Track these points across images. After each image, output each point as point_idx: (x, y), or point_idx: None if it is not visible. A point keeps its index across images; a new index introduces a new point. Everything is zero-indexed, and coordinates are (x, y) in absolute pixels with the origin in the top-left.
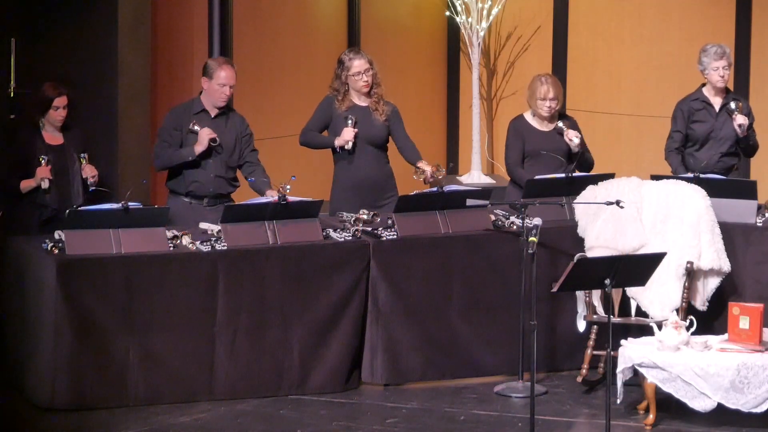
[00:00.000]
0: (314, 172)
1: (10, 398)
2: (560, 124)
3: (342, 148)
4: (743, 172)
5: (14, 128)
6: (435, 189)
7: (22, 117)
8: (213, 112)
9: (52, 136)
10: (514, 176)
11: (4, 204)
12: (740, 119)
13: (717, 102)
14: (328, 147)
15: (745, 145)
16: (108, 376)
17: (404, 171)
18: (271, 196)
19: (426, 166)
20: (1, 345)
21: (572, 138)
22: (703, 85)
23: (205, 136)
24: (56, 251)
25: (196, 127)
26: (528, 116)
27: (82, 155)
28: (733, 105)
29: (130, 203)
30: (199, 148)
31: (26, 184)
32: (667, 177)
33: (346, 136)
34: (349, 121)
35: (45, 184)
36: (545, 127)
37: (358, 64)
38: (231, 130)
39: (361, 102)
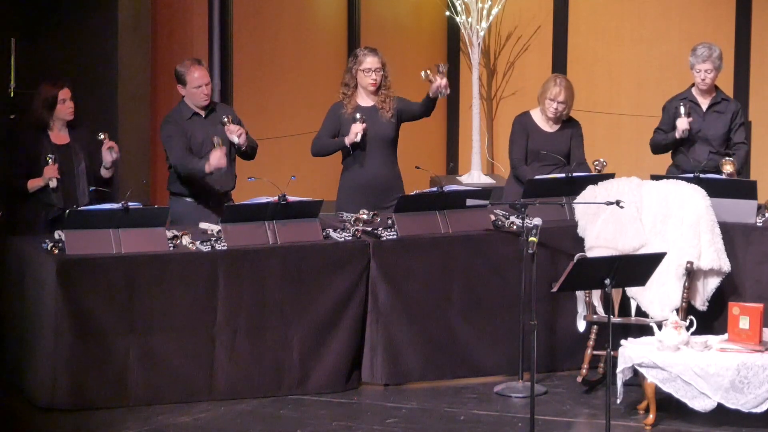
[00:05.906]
0: (315, 172)
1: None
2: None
3: (354, 145)
4: (743, 172)
5: (20, 129)
6: (435, 189)
7: (28, 118)
8: (202, 113)
9: (59, 135)
10: (517, 173)
11: (11, 204)
12: (683, 123)
13: (704, 102)
14: (339, 148)
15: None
16: (108, 376)
17: (409, 171)
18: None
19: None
20: (1, 345)
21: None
22: (693, 84)
23: (214, 161)
24: (56, 251)
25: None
26: (535, 114)
27: (100, 136)
28: (682, 110)
29: (130, 203)
30: (208, 168)
31: (33, 184)
32: (667, 177)
33: (355, 130)
34: (357, 114)
35: (53, 183)
36: (550, 127)
37: (370, 61)
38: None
39: (368, 102)
